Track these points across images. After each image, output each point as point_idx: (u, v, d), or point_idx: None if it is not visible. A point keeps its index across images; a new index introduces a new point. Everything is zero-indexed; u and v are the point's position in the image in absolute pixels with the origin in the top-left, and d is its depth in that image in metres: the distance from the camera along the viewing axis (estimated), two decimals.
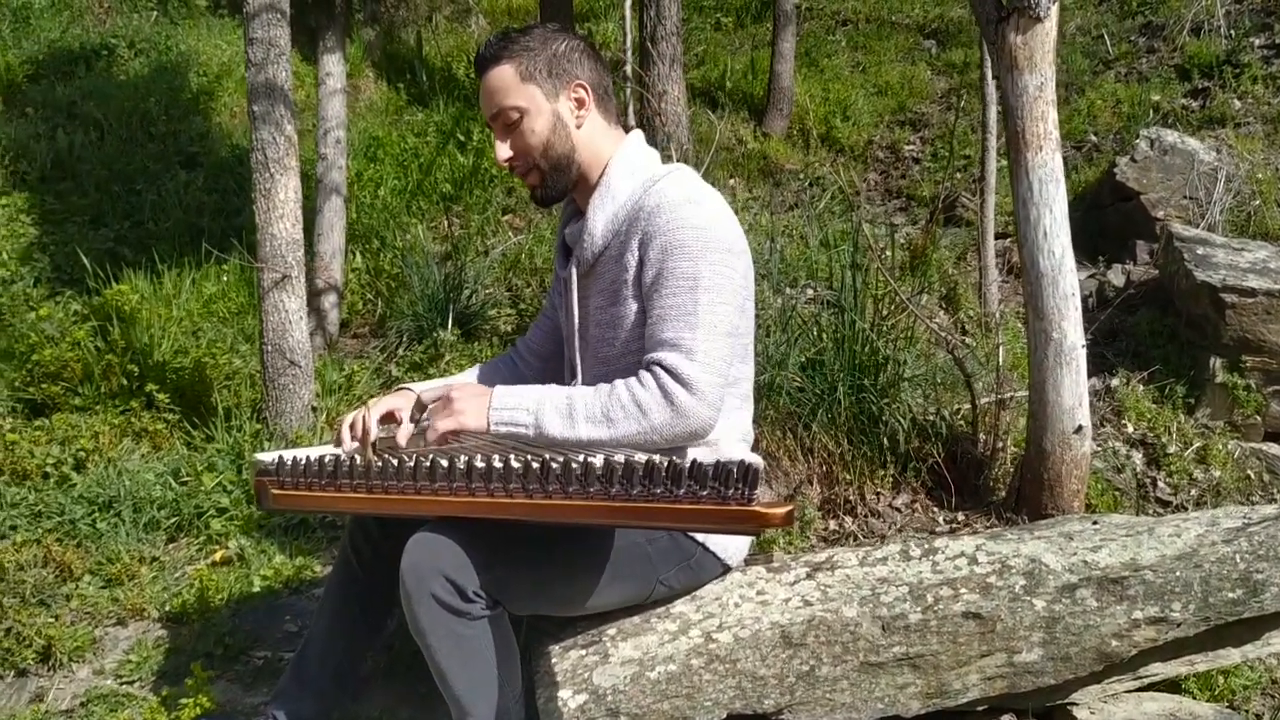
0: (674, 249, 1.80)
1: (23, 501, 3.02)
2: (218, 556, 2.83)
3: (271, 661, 2.43)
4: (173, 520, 2.98)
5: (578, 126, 1.95)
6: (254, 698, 2.33)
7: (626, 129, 2.05)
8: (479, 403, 1.79)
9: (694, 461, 1.46)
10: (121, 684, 2.40)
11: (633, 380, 1.76)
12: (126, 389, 3.64)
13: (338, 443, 1.95)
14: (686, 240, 1.80)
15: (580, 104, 1.95)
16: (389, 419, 1.99)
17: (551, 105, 1.92)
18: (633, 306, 1.89)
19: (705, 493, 1.46)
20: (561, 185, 1.98)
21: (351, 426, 1.94)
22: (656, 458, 1.51)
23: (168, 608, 2.63)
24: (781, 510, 1.43)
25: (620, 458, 1.53)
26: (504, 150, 1.95)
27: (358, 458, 1.80)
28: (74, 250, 4.69)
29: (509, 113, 1.91)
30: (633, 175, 1.94)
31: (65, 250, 4.90)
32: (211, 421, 3.39)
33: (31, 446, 3.27)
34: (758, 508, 1.43)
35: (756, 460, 1.95)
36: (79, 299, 4.44)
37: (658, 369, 1.75)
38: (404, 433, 1.92)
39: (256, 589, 2.67)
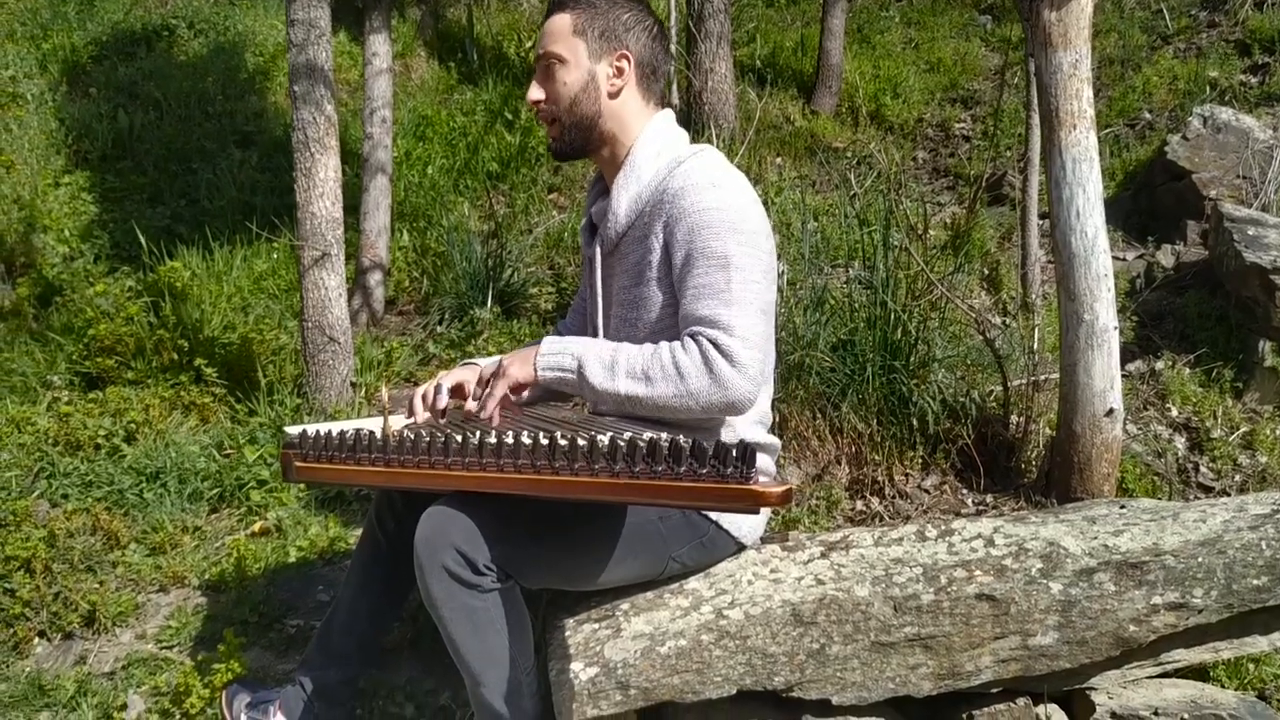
0: (701, 229, 1.82)
1: (74, 471, 3.13)
2: (257, 528, 2.91)
3: (304, 630, 2.50)
4: (215, 491, 3.08)
5: (610, 94, 1.97)
6: (286, 664, 2.41)
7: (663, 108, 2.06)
8: (526, 353, 1.87)
9: (695, 441, 1.49)
10: (161, 648, 2.49)
11: (676, 344, 1.79)
12: (177, 364, 3.74)
13: (410, 414, 1.99)
14: (713, 221, 1.82)
15: (619, 73, 1.97)
16: (459, 392, 2.03)
17: (590, 64, 1.95)
18: (656, 289, 1.91)
19: (705, 470, 1.48)
20: (578, 144, 2.00)
21: (424, 398, 1.98)
22: (664, 436, 1.54)
23: (207, 576, 2.72)
24: (778, 489, 1.45)
25: (627, 435, 1.56)
26: (535, 91, 1.99)
27: (376, 432, 1.84)
28: (132, 227, 4.81)
29: (551, 58, 1.96)
30: (658, 156, 1.96)
31: (124, 228, 5.03)
32: (255, 396, 3.48)
33: (85, 418, 3.38)
34: (754, 486, 1.45)
35: (760, 439, 1.98)
36: (134, 275, 4.56)
37: (700, 338, 1.77)
38: (472, 405, 1.97)
39: (292, 559, 2.75)
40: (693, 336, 1.79)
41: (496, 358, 2.21)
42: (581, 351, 1.82)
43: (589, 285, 2.10)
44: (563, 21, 1.96)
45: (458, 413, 2.00)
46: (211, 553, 2.85)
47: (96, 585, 2.65)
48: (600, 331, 2.05)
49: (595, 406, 1.93)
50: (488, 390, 1.86)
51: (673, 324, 1.90)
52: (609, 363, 1.80)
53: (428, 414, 1.97)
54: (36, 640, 2.54)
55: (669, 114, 2.04)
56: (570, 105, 1.96)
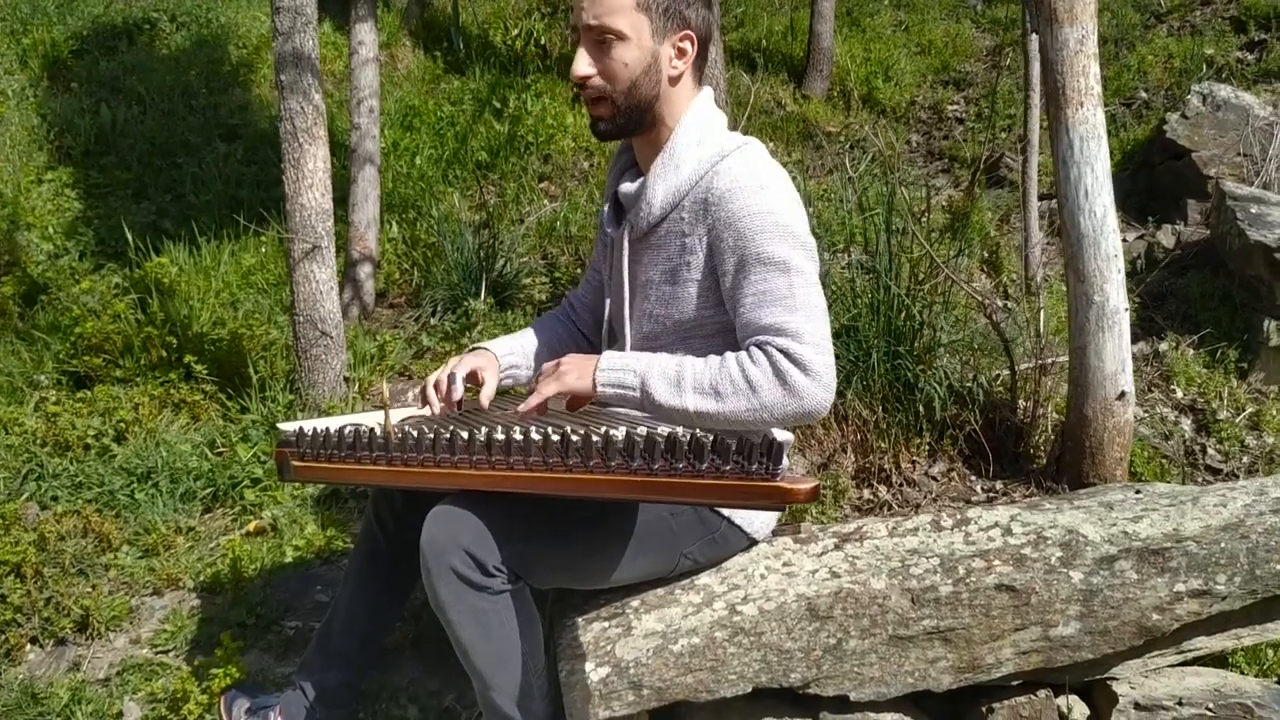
0: (754, 234, 1.73)
1: (64, 472, 3.06)
2: (251, 527, 2.85)
3: (303, 631, 2.45)
4: (208, 491, 3.01)
5: (670, 77, 1.82)
6: (285, 667, 2.35)
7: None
8: (585, 365, 1.75)
9: (717, 436, 1.43)
10: (156, 653, 2.43)
11: (743, 355, 1.69)
12: (166, 361, 3.66)
13: (423, 404, 1.93)
14: (766, 226, 1.73)
15: (681, 54, 1.82)
16: (472, 379, 1.96)
17: (653, 45, 1.78)
18: (693, 290, 1.84)
19: (728, 467, 1.43)
20: (630, 128, 1.87)
21: (435, 387, 1.91)
22: (682, 431, 1.48)
23: (202, 578, 2.66)
24: (807, 486, 1.40)
25: (643, 430, 1.51)
26: (584, 66, 1.80)
27: (376, 429, 1.79)
28: (117, 223, 4.73)
29: (609, 32, 1.77)
30: (699, 145, 1.84)
31: (109, 224, 4.94)
32: (247, 392, 3.41)
33: (73, 418, 3.31)
34: (782, 483, 1.40)
35: (783, 436, 1.92)
36: (120, 272, 4.48)
37: (769, 348, 1.68)
38: (486, 394, 1.90)
39: (289, 559, 2.69)
40: (760, 347, 1.69)
41: (513, 338, 2.14)
42: (644, 368, 1.71)
43: (612, 268, 2.01)
44: None
45: (472, 401, 1.94)
46: (206, 554, 2.79)
47: (89, 589, 2.59)
48: (626, 319, 1.95)
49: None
50: (536, 390, 1.76)
51: (704, 325, 1.85)
52: (674, 378, 1.69)
53: (442, 404, 1.90)
54: (29, 647, 2.47)
55: (709, 93, 1.91)
56: (630, 88, 1.80)
